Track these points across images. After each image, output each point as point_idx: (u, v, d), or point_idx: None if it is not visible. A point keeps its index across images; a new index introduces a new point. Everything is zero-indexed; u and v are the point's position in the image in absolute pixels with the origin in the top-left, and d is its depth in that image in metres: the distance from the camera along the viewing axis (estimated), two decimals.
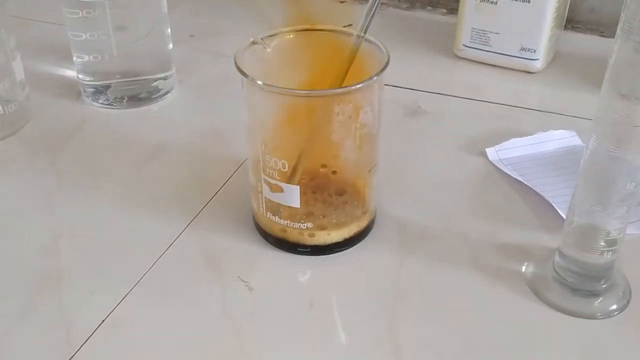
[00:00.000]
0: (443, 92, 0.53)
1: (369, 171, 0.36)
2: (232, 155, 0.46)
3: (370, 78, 0.33)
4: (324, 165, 0.35)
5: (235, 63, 0.34)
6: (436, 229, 0.40)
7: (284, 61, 0.37)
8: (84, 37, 0.49)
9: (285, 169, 0.34)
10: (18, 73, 0.47)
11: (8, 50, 0.46)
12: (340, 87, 0.33)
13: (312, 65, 0.37)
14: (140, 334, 0.33)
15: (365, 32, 0.36)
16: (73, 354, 0.32)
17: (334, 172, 0.35)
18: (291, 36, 0.37)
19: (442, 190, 0.43)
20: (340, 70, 0.36)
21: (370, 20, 0.35)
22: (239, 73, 0.34)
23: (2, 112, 0.46)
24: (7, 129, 0.47)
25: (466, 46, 0.57)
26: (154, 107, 0.52)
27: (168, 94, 0.53)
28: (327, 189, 0.36)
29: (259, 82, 0.33)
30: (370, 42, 0.36)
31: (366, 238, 0.39)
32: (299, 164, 0.35)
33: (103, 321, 0.33)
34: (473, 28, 0.56)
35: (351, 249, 0.38)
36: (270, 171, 0.35)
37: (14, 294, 0.35)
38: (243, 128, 0.48)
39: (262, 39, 0.37)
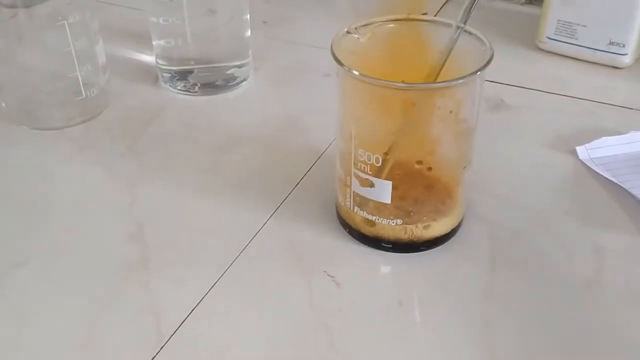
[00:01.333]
0: (526, 86, 0.51)
1: (464, 168, 0.35)
2: (310, 145, 0.45)
3: (475, 72, 0.31)
4: (419, 162, 0.34)
5: (332, 52, 0.33)
6: (527, 230, 0.38)
7: (377, 51, 0.36)
8: (164, 21, 0.48)
9: (379, 163, 0.33)
10: (100, 57, 0.47)
11: (92, 33, 0.46)
12: (443, 81, 0.32)
13: (406, 56, 0.36)
14: (229, 325, 0.33)
15: (465, 23, 0.34)
16: (164, 342, 0.32)
17: (429, 169, 0.34)
18: (386, 26, 0.36)
19: (531, 189, 0.41)
20: (436, 62, 0.34)
21: (471, 11, 0.34)
22: (335, 62, 0.33)
23: (84, 95, 0.46)
24: (88, 113, 0.48)
25: (550, 38, 0.55)
26: (230, 95, 0.51)
27: (244, 82, 0.52)
28: (420, 186, 0.35)
29: (355, 72, 0.32)
30: (469, 33, 0.34)
31: (454, 237, 0.37)
32: (390, 158, 0.34)
33: (192, 311, 0.33)
34: (559, 20, 0.54)
35: (438, 247, 0.37)
36: (362, 165, 0.34)
37: (101, 280, 0.35)
38: (326, 118, 0.47)
39: (355, 28, 0.36)
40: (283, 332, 0.32)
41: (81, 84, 0.46)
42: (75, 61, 0.45)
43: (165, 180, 0.43)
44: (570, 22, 0.53)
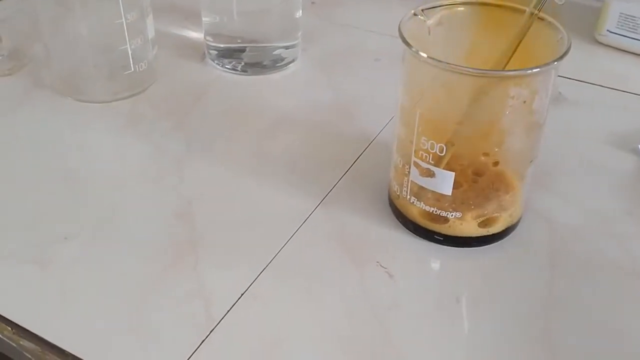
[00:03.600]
0: (585, 80, 0.49)
1: (530, 163, 0.33)
2: (360, 131, 0.44)
3: (554, 61, 0.30)
4: (486, 154, 0.32)
5: (400, 33, 0.32)
6: (588, 230, 0.36)
7: (443, 36, 0.35)
8: None
9: (442, 153, 0.32)
10: (150, 31, 0.46)
11: (143, 6, 0.45)
12: (520, 69, 0.30)
13: (473, 41, 0.35)
14: (279, 313, 0.32)
15: (539, 10, 0.33)
16: (214, 326, 0.31)
17: (495, 162, 0.32)
18: (453, 10, 0.35)
19: (591, 187, 0.40)
20: (506, 49, 0.33)
21: None
22: (403, 44, 0.31)
23: (132, 69, 0.45)
24: (136, 88, 0.47)
25: (610, 32, 0.52)
26: (277, 76, 0.50)
27: (292, 64, 0.51)
28: (483, 178, 0.33)
29: (424, 55, 0.31)
30: (542, 20, 0.33)
31: (512, 234, 0.36)
32: (451, 147, 0.33)
33: (242, 295, 0.32)
34: (621, 13, 0.51)
35: (496, 243, 0.35)
36: (424, 154, 0.33)
37: (148, 259, 0.34)
38: (376, 104, 0.46)
39: (422, 10, 0.34)
40: (335, 322, 0.31)
41: (130, 57, 0.45)
42: (126, 34, 0.44)
43: (212, 160, 0.42)
44: (633, 16, 0.51)
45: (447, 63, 0.30)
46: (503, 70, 0.31)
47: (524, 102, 0.30)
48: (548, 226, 0.37)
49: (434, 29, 0.34)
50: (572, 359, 0.30)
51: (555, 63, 0.30)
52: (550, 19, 0.33)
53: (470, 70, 0.29)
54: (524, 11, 0.33)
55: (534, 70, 0.29)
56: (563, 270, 0.34)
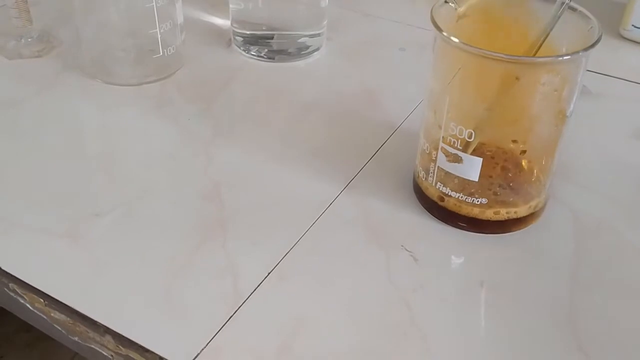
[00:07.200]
0: (609, 74, 0.49)
1: (556, 153, 0.34)
2: (384, 118, 0.44)
3: (586, 49, 0.30)
4: (514, 141, 0.33)
5: (432, 19, 0.32)
6: (611, 220, 0.37)
7: (469, 25, 0.35)
8: None
9: (471, 138, 0.32)
10: (179, 16, 0.47)
11: None
12: (551, 56, 0.30)
13: (503, 29, 0.35)
14: (305, 294, 0.32)
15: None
16: (241, 303, 0.31)
17: (523, 150, 0.33)
18: None
19: (616, 179, 0.40)
20: (536, 38, 0.33)
21: None
22: (434, 29, 0.32)
23: (161, 54, 0.46)
24: (163, 72, 0.47)
25: (636, 27, 0.52)
26: (302, 63, 0.51)
27: (316, 52, 0.51)
28: (510, 165, 0.34)
29: (455, 40, 0.31)
30: (572, 10, 0.33)
31: (536, 222, 0.36)
32: (479, 133, 0.33)
33: (269, 274, 0.33)
34: None
35: (520, 230, 0.36)
36: (452, 140, 0.33)
37: (179, 237, 0.35)
38: (400, 93, 0.47)
39: None
40: (361, 304, 0.32)
41: (159, 42, 0.45)
42: (156, 18, 0.44)
43: (239, 144, 0.42)
44: None
45: (480, 49, 0.30)
46: (533, 56, 0.31)
47: (555, 90, 0.31)
48: (572, 215, 0.37)
49: (461, 19, 0.35)
50: (598, 345, 0.30)
51: (587, 51, 0.30)
52: (581, 8, 0.33)
53: (503, 56, 0.30)
54: (554, 0, 0.33)
55: (566, 57, 0.30)
56: (587, 259, 0.34)
